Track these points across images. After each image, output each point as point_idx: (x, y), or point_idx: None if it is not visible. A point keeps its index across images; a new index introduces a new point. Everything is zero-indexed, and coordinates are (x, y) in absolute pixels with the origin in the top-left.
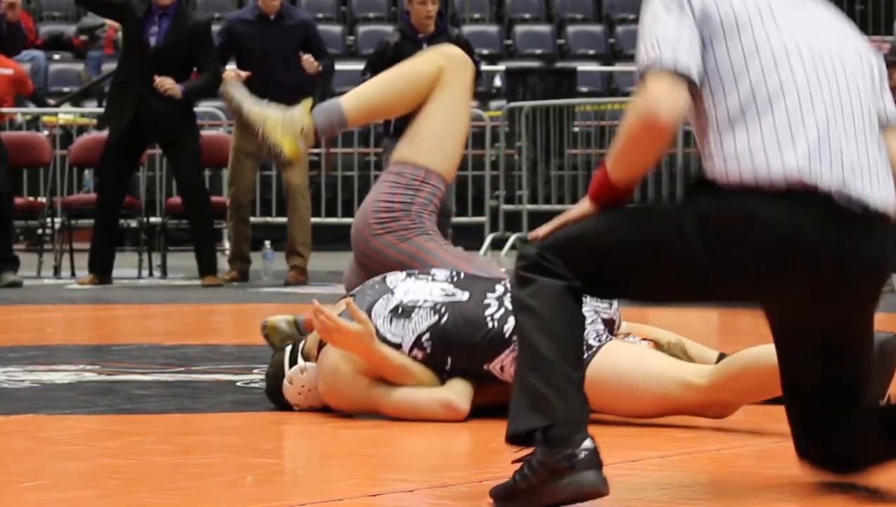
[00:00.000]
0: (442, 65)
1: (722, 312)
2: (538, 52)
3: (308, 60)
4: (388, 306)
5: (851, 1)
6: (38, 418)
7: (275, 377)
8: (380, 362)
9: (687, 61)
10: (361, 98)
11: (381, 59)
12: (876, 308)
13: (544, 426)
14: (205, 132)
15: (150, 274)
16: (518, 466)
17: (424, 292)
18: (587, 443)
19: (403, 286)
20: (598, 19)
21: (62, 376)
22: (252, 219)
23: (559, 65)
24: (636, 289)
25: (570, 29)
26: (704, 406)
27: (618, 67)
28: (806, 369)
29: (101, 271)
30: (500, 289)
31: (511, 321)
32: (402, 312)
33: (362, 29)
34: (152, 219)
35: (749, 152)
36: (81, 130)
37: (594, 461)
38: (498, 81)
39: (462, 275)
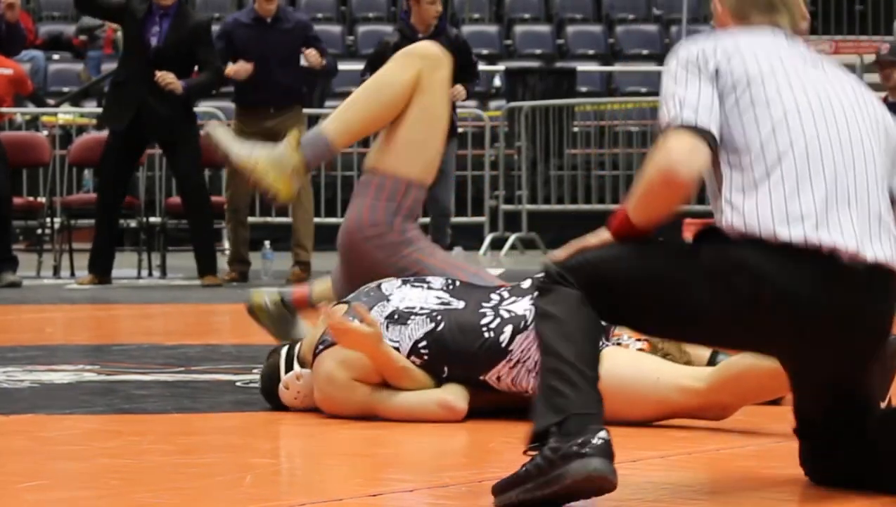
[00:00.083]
0: (419, 69)
1: None
2: (538, 52)
3: (312, 54)
4: (384, 312)
5: (851, 1)
6: (37, 418)
7: (270, 379)
8: (385, 363)
9: (708, 119)
10: (344, 122)
11: (381, 60)
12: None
13: (559, 420)
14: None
15: (150, 274)
16: (528, 459)
17: (420, 299)
18: (602, 433)
19: (399, 293)
20: (598, 19)
21: (62, 376)
22: (251, 219)
23: (559, 65)
24: (641, 322)
25: (570, 29)
26: (703, 409)
27: (617, 67)
28: (817, 401)
29: (101, 271)
30: (495, 298)
31: (507, 331)
32: (398, 318)
33: (362, 29)
34: (152, 219)
35: (756, 208)
36: (81, 130)
37: (606, 450)
38: (497, 81)
39: (458, 284)
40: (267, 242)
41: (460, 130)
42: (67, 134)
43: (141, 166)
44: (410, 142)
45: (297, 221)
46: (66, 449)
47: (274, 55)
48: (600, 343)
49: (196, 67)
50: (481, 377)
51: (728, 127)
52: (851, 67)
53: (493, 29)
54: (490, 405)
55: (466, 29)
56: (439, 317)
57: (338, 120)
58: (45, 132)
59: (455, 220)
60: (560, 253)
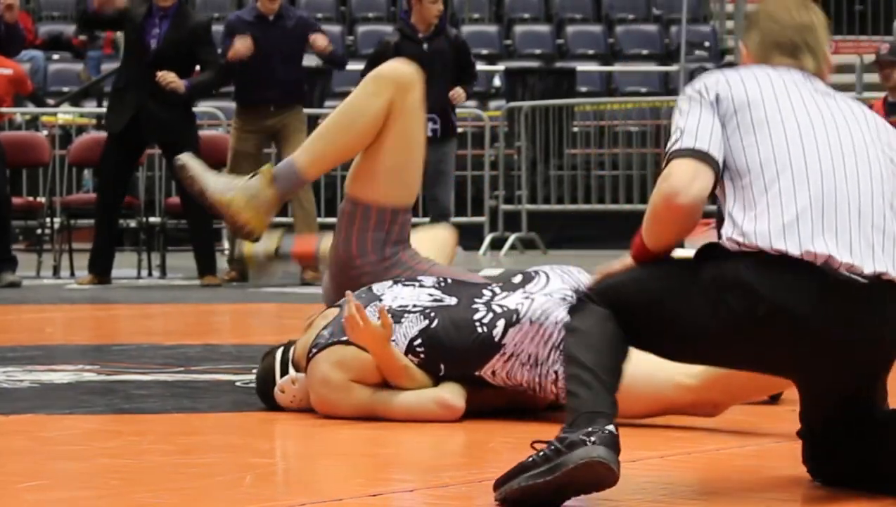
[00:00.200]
0: (391, 97)
1: None
2: (537, 52)
3: (319, 38)
4: (378, 312)
5: (851, 1)
6: (37, 418)
7: (265, 383)
8: (389, 362)
9: (707, 142)
10: (315, 153)
11: (381, 59)
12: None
13: (571, 420)
14: (204, 132)
15: (150, 274)
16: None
17: (412, 297)
18: (609, 427)
19: (391, 293)
20: (598, 19)
21: (61, 376)
22: None
23: (558, 65)
24: (660, 345)
25: (570, 29)
26: (695, 406)
27: (617, 67)
28: (821, 411)
29: (101, 271)
30: (487, 294)
31: (500, 325)
32: (392, 316)
33: (362, 29)
34: (151, 219)
35: (754, 221)
36: (81, 129)
37: (612, 441)
38: (497, 81)
39: (449, 281)
40: None
41: (460, 130)
42: (67, 134)
43: (141, 166)
44: (391, 169)
45: (298, 223)
46: (66, 449)
47: (276, 53)
48: (626, 357)
49: (197, 67)
50: (476, 373)
51: (730, 149)
52: (851, 67)
53: (492, 29)
54: (488, 404)
55: (466, 29)
56: (433, 314)
57: (308, 151)
58: (45, 132)
59: (455, 220)
60: (590, 280)
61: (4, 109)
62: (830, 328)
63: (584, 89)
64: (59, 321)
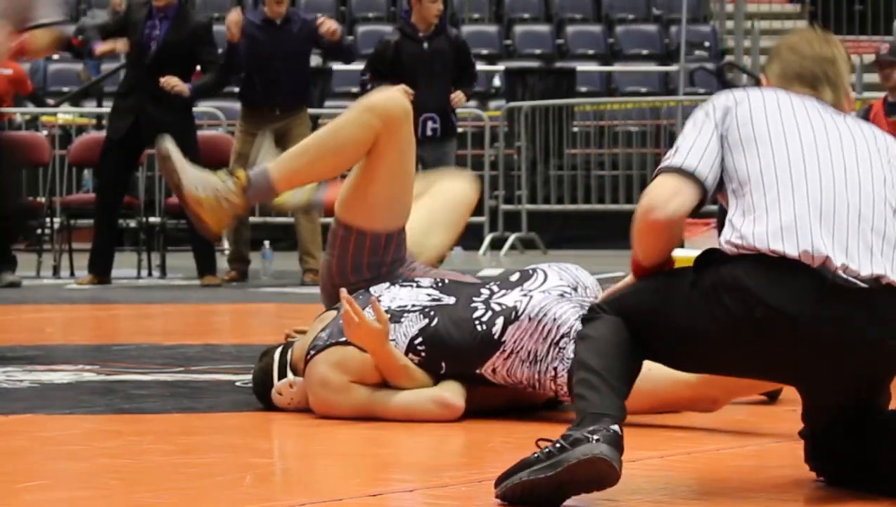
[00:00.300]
0: (377, 130)
1: None
2: (537, 52)
3: (327, 23)
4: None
5: (851, 1)
6: (37, 418)
7: (263, 385)
8: (387, 361)
9: (697, 162)
10: (292, 170)
11: (381, 59)
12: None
13: (578, 421)
14: (204, 132)
15: (150, 274)
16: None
17: (411, 297)
18: (614, 426)
19: (389, 294)
20: (598, 19)
21: (61, 376)
22: (251, 219)
23: (558, 65)
24: (667, 355)
25: (570, 29)
26: (693, 401)
27: (617, 67)
28: (823, 416)
29: (101, 271)
30: (485, 292)
31: (499, 323)
32: (391, 317)
33: (362, 29)
34: (151, 219)
35: (753, 225)
36: (81, 129)
37: (615, 440)
38: (497, 81)
39: (446, 281)
40: (266, 243)
41: (460, 129)
42: (67, 134)
43: (140, 166)
44: (385, 200)
45: (302, 229)
46: (66, 449)
47: (282, 57)
48: (638, 366)
49: (199, 68)
50: (477, 371)
51: (732, 160)
52: (851, 68)
53: (492, 29)
54: (488, 403)
55: (466, 29)
56: (432, 313)
57: (286, 166)
58: (45, 132)
59: None
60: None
61: (5, 109)
62: (828, 331)
63: (584, 89)
64: (58, 321)
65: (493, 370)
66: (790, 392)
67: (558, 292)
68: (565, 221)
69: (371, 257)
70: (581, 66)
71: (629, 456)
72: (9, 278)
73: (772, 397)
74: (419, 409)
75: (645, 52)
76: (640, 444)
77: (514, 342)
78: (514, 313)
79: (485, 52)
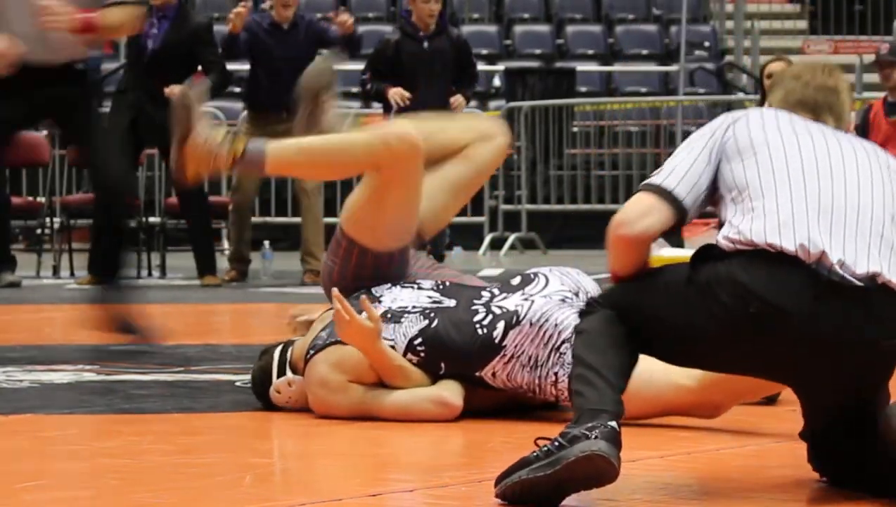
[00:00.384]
0: (382, 163)
1: None
2: (537, 52)
3: (342, 15)
4: (377, 313)
5: (851, 1)
6: (36, 418)
7: (261, 382)
8: (380, 360)
9: (677, 182)
10: (290, 160)
11: (381, 58)
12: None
13: (575, 418)
14: None
15: (150, 274)
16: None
17: (412, 298)
18: (612, 422)
19: (390, 295)
20: (598, 19)
21: (61, 375)
22: (252, 219)
23: (558, 65)
24: (665, 351)
25: (570, 29)
26: (695, 407)
27: (617, 67)
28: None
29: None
30: (486, 295)
31: (499, 327)
32: (392, 317)
33: (362, 29)
34: (151, 219)
35: (751, 222)
36: None
37: (613, 436)
38: (497, 81)
39: (447, 284)
40: (266, 243)
41: None
42: None
43: (140, 167)
44: (392, 224)
45: (306, 230)
46: (66, 449)
47: (289, 61)
48: (634, 359)
49: (199, 69)
50: (476, 374)
51: (731, 170)
52: (851, 68)
53: (492, 29)
54: (487, 404)
55: (466, 29)
56: (433, 314)
57: (285, 152)
58: (45, 132)
59: (455, 220)
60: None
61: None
62: (827, 330)
63: (583, 89)
64: (58, 321)
65: (493, 374)
66: (789, 394)
67: (559, 298)
68: (565, 222)
69: (373, 271)
70: (581, 66)
71: (629, 456)
72: (9, 278)
73: (770, 399)
74: (417, 408)
75: (645, 52)
76: (640, 444)
77: (515, 347)
78: (515, 318)
79: (485, 52)
